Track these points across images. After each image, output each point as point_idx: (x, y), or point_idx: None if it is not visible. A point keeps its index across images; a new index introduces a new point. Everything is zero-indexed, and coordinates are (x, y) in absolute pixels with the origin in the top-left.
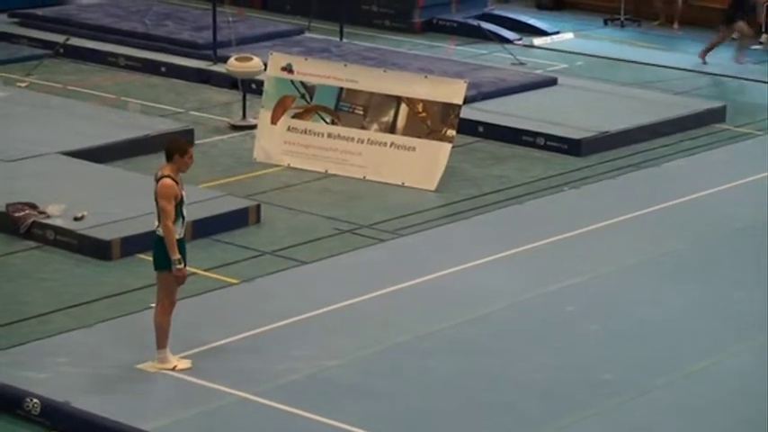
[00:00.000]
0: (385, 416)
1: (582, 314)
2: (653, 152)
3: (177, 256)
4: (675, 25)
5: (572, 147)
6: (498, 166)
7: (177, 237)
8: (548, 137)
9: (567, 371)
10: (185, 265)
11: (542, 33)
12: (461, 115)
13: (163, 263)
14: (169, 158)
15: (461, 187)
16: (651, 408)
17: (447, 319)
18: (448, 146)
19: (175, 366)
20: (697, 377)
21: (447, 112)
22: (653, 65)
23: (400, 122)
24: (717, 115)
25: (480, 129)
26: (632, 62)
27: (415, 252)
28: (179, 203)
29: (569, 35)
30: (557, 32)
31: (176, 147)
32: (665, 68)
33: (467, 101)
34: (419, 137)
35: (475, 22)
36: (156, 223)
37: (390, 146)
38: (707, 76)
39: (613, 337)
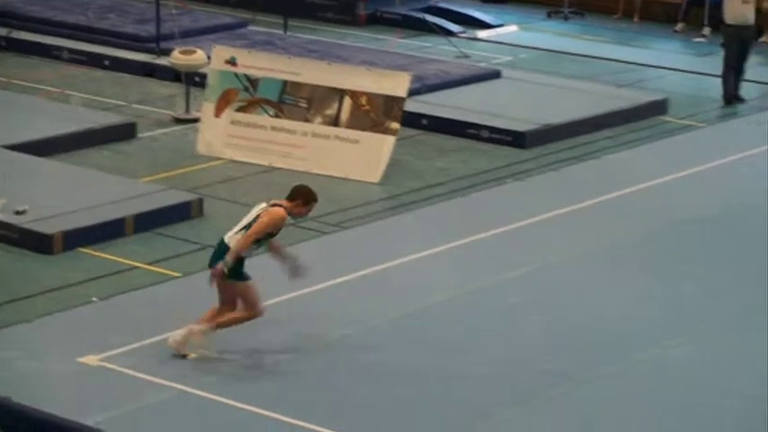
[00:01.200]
0: (330, 409)
1: (526, 305)
2: (596, 144)
3: (231, 263)
4: (636, 18)
5: (516, 139)
6: (442, 158)
7: (243, 255)
8: (492, 129)
9: (513, 362)
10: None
11: (486, 26)
12: (405, 108)
13: (232, 275)
14: (291, 198)
15: (405, 180)
16: (596, 397)
17: (392, 312)
18: (392, 138)
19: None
20: (642, 367)
21: (391, 104)
22: (597, 57)
23: (344, 115)
24: (659, 108)
25: (424, 121)
26: (576, 55)
27: (359, 245)
28: (271, 234)
29: (513, 28)
30: (501, 25)
31: (303, 193)
32: (609, 61)
33: (411, 93)
34: (363, 129)
35: (419, 15)
36: (237, 229)
37: (334, 138)
38: (650, 69)
39: (558, 327)
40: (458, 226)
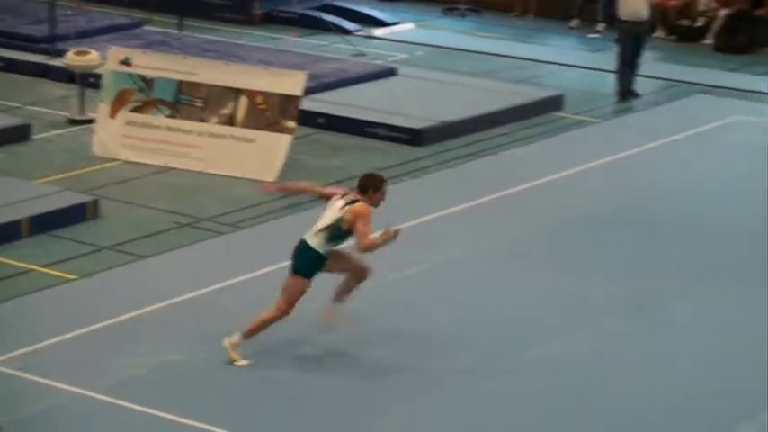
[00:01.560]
0: (227, 411)
1: (423, 303)
2: (492, 141)
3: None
4: (530, 15)
5: (412, 137)
6: (338, 157)
7: (321, 251)
8: (388, 127)
9: (412, 357)
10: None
11: (382, 24)
12: (302, 107)
13: (303, 269)
14: (363, 191)
15: (302, 179)
16: (494, 393)
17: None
18: (288, 137)
19: (235, 360)
20: (540, 363)
21: (287, 103)
22: (493, 54)
23: (240, 115)
24: (554, 104)
25: (321, 120)
26: (473, 52)
27: (255, 245)
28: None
29: (409, 25)
30: (397, 23)
31: (371, 181)
32: (505, 58)
33: (307, 92)
34: (259, 129)
35: (315, 14)
36: (318, 229)
37: (230, 138)
38: (545, 65)
39: (456, 324)
40: None
